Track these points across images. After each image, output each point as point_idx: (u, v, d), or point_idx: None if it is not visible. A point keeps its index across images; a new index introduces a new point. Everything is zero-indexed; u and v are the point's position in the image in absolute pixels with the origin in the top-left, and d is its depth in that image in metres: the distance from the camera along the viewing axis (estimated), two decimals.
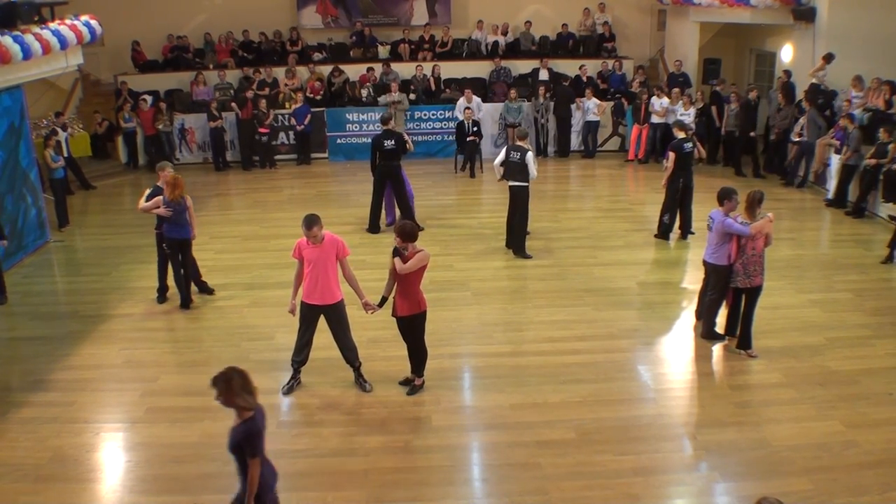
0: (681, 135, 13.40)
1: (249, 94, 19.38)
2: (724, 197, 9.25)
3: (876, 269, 12.25)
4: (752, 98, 17.96)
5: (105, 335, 10.38)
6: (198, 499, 6.99)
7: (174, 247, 10.91)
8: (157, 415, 8.36)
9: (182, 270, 11.04)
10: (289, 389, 8.72)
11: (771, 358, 9.05)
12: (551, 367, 9.22)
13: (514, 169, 12.60)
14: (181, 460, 7.55)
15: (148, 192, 10.93)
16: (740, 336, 9.41)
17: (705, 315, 9.82)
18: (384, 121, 14.11)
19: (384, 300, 8.52)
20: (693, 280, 11.93)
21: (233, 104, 19.32)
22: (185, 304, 11.11)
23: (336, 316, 8.56)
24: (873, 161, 14.45)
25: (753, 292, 9.26)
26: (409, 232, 8.26)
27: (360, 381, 8.79)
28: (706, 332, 9.79)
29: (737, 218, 9.13)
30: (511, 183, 12.74)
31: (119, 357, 9.73)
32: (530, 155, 12.46)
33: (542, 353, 9.60)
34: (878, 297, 11.23)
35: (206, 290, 11.55)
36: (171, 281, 11.25)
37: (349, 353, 8.73)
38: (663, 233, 13.68)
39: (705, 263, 9.66)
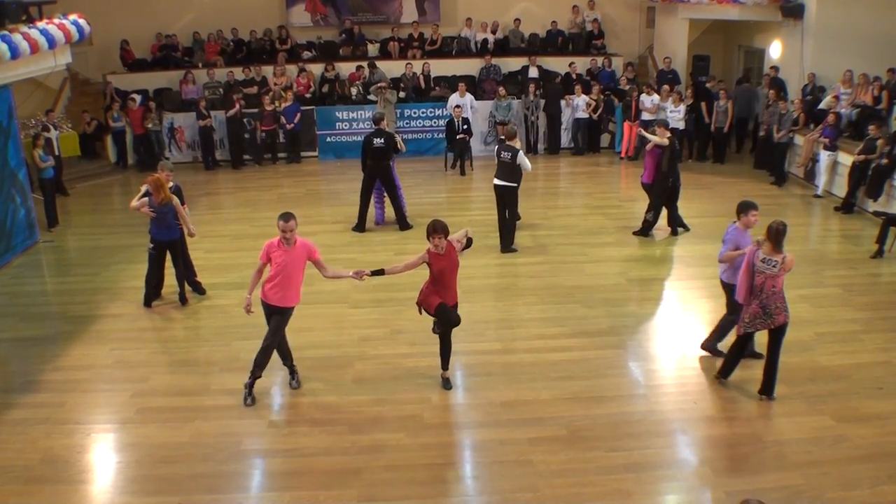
0: (667, 134, 13.37)
1: (239, 100, 19.33)
2: (740, 211, 8.78)
3: (865, 265, 12.30)
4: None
5: (95, 336, 10.35)
6: (189, 499, 6.98)
7: (160, 248, 10.90)
8: (148, 415, 8.33)
9: (175, 269, 11.10)
10: (298, 382, 8.80)
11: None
12: (542, 364, 9.23)
13: (505, 169, 12.67)
14: (172, 461, 7.53)
15: (144, 188, 10.86)
16: (764, 381, 8.39)
17: (716, 331, 9.30)
18: (376, 120, 14.10)
19: (381, 272, 8.43)
20: (684, 276, 11.98)
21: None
22: (182, 299, 11.22)
23: (284, 318, 8.54)
24: (862, 157, 14.52)
25: (777, 332, 8.24)
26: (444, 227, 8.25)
27: (292, 376, 8.88)
28: (710, 346, 9.33)
29: (757, 253, 8.08)
30: (500, 182, 12.79)
31: (109, 357, 9.70)
32: (521, 153, 12.53)
33: (533, 350, 9.61)
34: (867, 292, 11.28)
35: (198, 290, 11.52)
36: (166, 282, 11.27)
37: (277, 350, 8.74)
38: (644, 230, 13.69)
39: (722, 283, 9.19)
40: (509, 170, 12.64)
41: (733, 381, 8.74)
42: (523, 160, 12.53)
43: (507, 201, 12.83)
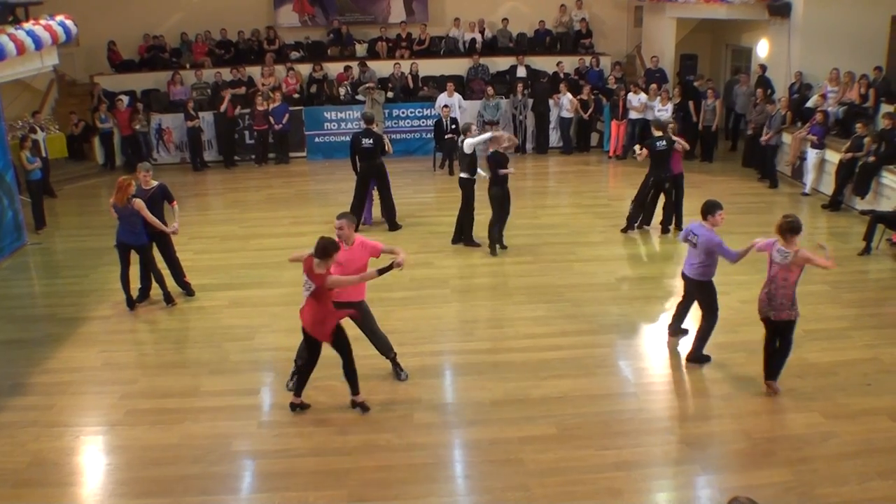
0: (656, 133, 13.41)
1: (227, 93, 19.32)
2: (708, 212, 8.76)
3: (852, 262, 12.35)
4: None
5: (84, 338, 10.30)
6: (179, 501, 6.95)
7: (122, 248, 10.82)
8: (137, 417, 8.30)
9: (150, 271, 11.11)
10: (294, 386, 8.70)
11: (749, 351, 9.09)
12: (532, 363, 9.23)
13: (462, 162, 13.14)
14: (161, 462, 7.50)
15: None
16: (770, 368, 8.46)
17: (697, 339, 9.15)
18: (367, 120, 14.07)
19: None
20: (673, 274, 11.99)
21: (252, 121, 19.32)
22: (167, 300, 11.18)
23: (361, 312, 8.54)
24: (849, 155, 14.59)
25: (783, 327, 8.28)
26: (321, 247, 7.70)
27: (396, 370, 8.90)
28: (694, 356, 9.14)
29: (773, 244, 8.19)
30: (459, 175, 13.18)
31: (98, 359, 9.66)
32: (468, 141, 12.80)
33: (523, 349, 9.61)
34: (855, 289, 11.34)
35: (187, 291, 11.48)
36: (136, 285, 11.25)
37: (381, 344, 8.81)
38: (630, 227, 13.77)
39: (685, 277, 9.20)
40: (465, 162, 12.95)
41: (722, 378, 8.80)
42: (466, 142, 12.79)
43: (464, 193, 13.05)
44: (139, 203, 10.49)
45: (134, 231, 10.66)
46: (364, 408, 8.28)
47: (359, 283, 8.22)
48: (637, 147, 13.71)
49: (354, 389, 8.29)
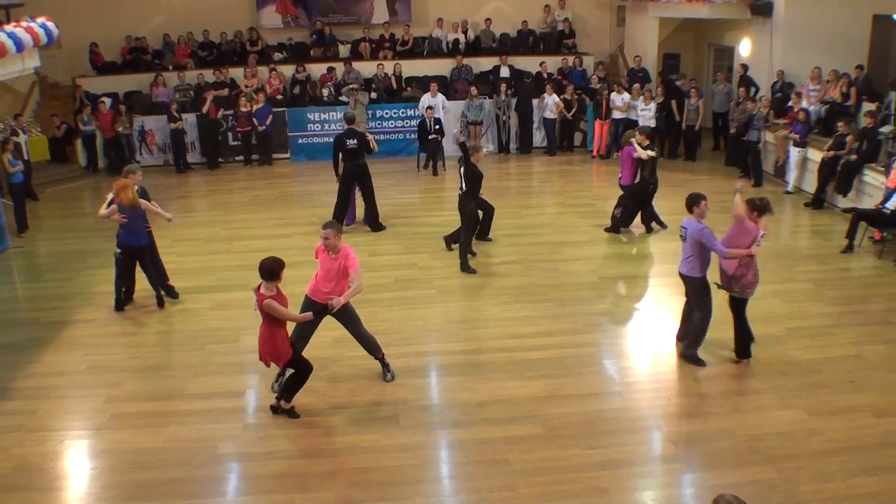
0: (647, 142, 13.33)
1: (210, 94, 19.26)
2: (693, 203, 8.79)
3: (835, 260, 12.43)
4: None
5: (67, 341, 10.24)
6: None
7: (128, 253, 10.80)
8: (122, 421, 8.26)
9: (146, 273, 11.04)
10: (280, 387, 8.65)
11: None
12: (517, 362, 9.24)
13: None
14: (147, 466, 7.47)
15: (110, 197, 10.76)
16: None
17: (691, 336, 9.18)
18: (349, 120, 14.03)
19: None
20: (657, 273, 12.05)
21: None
22: (160, 303, 11.17)
23: (344, 315, 8.56)
24: (831, 153, 14.67)
25: (731, 301, 8.95)
26: (265, 269, 7.73)
27: (384, 371, 8.91)
28: (689, 355, 9.20)
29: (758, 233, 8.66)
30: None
31: (82, 363, 9.60)
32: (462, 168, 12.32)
33: (508, 349, 9.62)
34: (838, 286, 11.40)
35: (171, 293, 11.45)
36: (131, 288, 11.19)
37: (368, 345, 8.81)
38: (614, 227, 13.78)
39: (681, 276, 9.09)
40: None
41: (706, 377, 8.84)
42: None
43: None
44: (143, 202, 10.62)
45: (138, 233, 10.69)
46: (292, 414, 8.23)
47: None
48: (644, 148, 13.46)
49: (288, 397, 8.23)
